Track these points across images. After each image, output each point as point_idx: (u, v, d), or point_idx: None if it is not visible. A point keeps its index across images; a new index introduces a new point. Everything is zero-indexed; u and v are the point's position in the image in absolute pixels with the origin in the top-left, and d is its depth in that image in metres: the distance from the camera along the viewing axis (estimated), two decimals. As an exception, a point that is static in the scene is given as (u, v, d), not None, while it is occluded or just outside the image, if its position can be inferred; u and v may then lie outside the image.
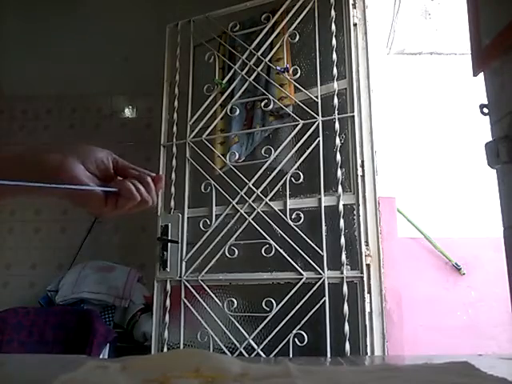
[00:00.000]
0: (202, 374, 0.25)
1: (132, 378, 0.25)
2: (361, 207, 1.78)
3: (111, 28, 3.17)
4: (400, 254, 2.25)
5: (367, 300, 1.70)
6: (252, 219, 1.94)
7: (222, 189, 2.04)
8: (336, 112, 1.88)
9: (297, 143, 1.93)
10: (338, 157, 1.84)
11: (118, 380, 0.25)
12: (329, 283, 1.76)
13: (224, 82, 2.16)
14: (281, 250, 1.85)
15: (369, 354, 1.65)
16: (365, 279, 1.72)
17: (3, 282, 3.36)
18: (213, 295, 1.95)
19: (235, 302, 1.92)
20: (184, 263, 2.05)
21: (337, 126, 1.86)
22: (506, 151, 1.03)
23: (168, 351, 1.68)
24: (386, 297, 1.87)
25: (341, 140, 1.87)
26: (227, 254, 1.96)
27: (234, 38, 2.19)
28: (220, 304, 1.93)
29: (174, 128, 2.24)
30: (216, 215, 2.03)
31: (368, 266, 1.74)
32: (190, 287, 2.00)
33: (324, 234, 1.80)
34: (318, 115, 1.91)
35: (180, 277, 2.03)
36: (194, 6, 2.33)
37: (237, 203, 1.99)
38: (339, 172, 1.83)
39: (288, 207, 1.89)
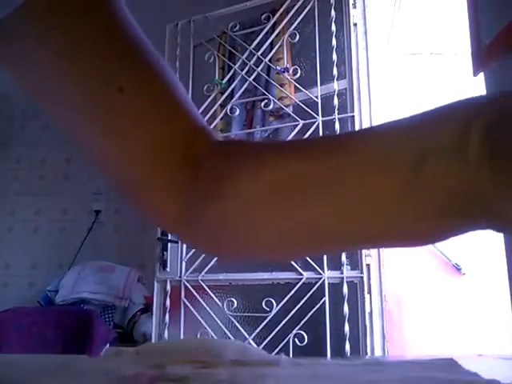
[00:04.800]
0: (197, 360, 0.27)
1: (139, 363, 0.27)
2: (361, 207, 1.77)
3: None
4: (400, 253, 2.26)
5: (367, 300, 1.70)
6: (252, 219, 1.94)
7: (221, 189, 2.03)
8: (336, 112, 1.88)
9: (297, 143, 1.93)
10: (338, 157, 1.84)
11: (127, 364, 0.27)
12: (329, 283, 1.76)
13: (224, 82, 2.16)
14: (281, 250, 1.84)
15: (369, 354, 1.65)
16: (365, 279, 1.72)
17: (3, 281, 3.35)
18: (213, 295, 1.95)
19: (235, 302, 1.92)
20: (184, 263, 2.05)
21: (337, 126, 1.86)
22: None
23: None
24: (386, 297, 1.87)
25: (341, 140, 1.87)
26: (227, 254, 1.96)
27: (234, 38, 2.19)
28: (220, 304, 1.93)
29: (174, 128, 2.24)
30: (216, 215, 2.03)
31: (368, 265, 1.74)
32: (190, 287, 2.00)
33: (324, 233, 1.79)
34: (318, 115, 1.90)
35: (180, 277, 2.03)
36: (194, 6, 2.33)
37: (237, 203, 1.99)
38: (339, 172, 1.82)
39: (288, 207, 1.88)
